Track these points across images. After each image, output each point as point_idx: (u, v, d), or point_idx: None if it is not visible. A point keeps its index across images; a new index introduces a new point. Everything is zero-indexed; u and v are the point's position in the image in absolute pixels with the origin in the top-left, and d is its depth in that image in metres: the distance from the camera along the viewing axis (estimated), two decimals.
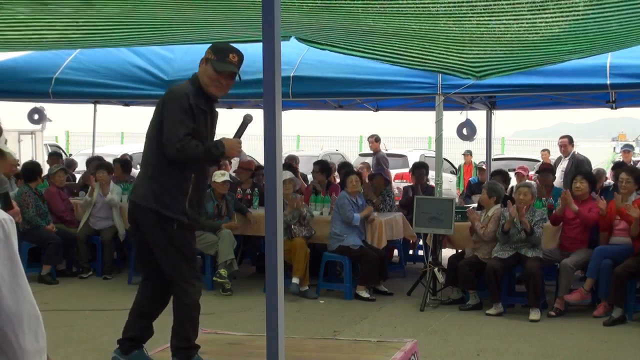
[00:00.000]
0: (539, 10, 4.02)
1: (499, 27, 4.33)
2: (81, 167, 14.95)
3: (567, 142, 12.49)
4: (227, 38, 6.16)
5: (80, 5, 4.71)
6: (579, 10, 3.95)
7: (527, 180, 11.04)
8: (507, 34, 4.43)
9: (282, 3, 3.89)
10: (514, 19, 4.21)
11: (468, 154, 19.12)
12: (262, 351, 3.31)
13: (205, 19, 5.22)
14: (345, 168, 11.21)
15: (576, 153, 12.74)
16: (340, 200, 9.02)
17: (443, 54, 5.41)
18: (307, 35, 5.73)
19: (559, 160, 13.15)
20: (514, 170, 13.05)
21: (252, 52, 5.27)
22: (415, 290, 9.02)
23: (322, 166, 10.91)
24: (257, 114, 11.88)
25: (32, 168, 9.94)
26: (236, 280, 9.23)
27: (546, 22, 4.17)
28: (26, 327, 2.06)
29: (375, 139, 15.61)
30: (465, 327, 7.67)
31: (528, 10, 4.04)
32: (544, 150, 19.33)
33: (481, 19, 4.21)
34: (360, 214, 8.99)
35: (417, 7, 4.09)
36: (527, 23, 4.23)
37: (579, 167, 11.59)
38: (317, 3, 4.31)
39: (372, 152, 15.73)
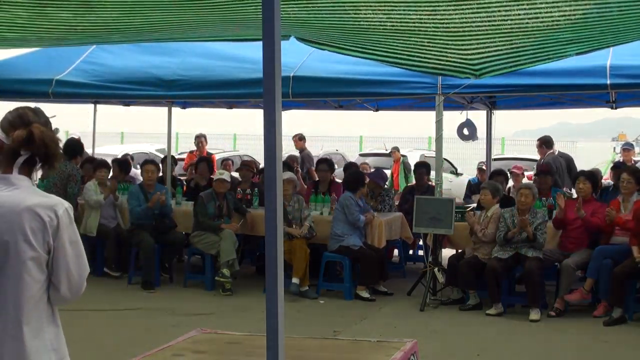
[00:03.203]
0: None
1: (499, 11, 4.34)
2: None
3: (538, 145, 12.24)
4: (227, 37, 6.16)
5: (78, 8, 4.70)
6: None
7: (527, 181, 11.03)
8: (507, 19, 4.44)
9: (282, 2, 3.88)
10: (515, 2, 4.23)
11: (395, 150, 17.65)
12: (262, 351, 3.30)
13: (205, 19, 5.22)
14: (352, 168, 11.24)
15: (556, 153, 12.36)
16: (347, 201, 9.00)
17: (442, 52, 5.40)
18: (306, 35, 5.72)
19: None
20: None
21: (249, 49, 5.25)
22: (415, 290, 9.02)
23: (328, 164, 10.96)
24: (257, 114, 11.88)
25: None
26: (236, 280, 9.23)
27: (546, 3, 4.19)
28: (79, 291, 2.73)
29: (299, 138, 15.43)
30: (465, 327, 7.68)
31: None
32: None
33: (482, 1, 4.22)
34: (364, 217, 9.01)
35: None
36: (527, 5, 4.24)
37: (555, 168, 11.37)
38: None
39: (298, 150, 15.19)
